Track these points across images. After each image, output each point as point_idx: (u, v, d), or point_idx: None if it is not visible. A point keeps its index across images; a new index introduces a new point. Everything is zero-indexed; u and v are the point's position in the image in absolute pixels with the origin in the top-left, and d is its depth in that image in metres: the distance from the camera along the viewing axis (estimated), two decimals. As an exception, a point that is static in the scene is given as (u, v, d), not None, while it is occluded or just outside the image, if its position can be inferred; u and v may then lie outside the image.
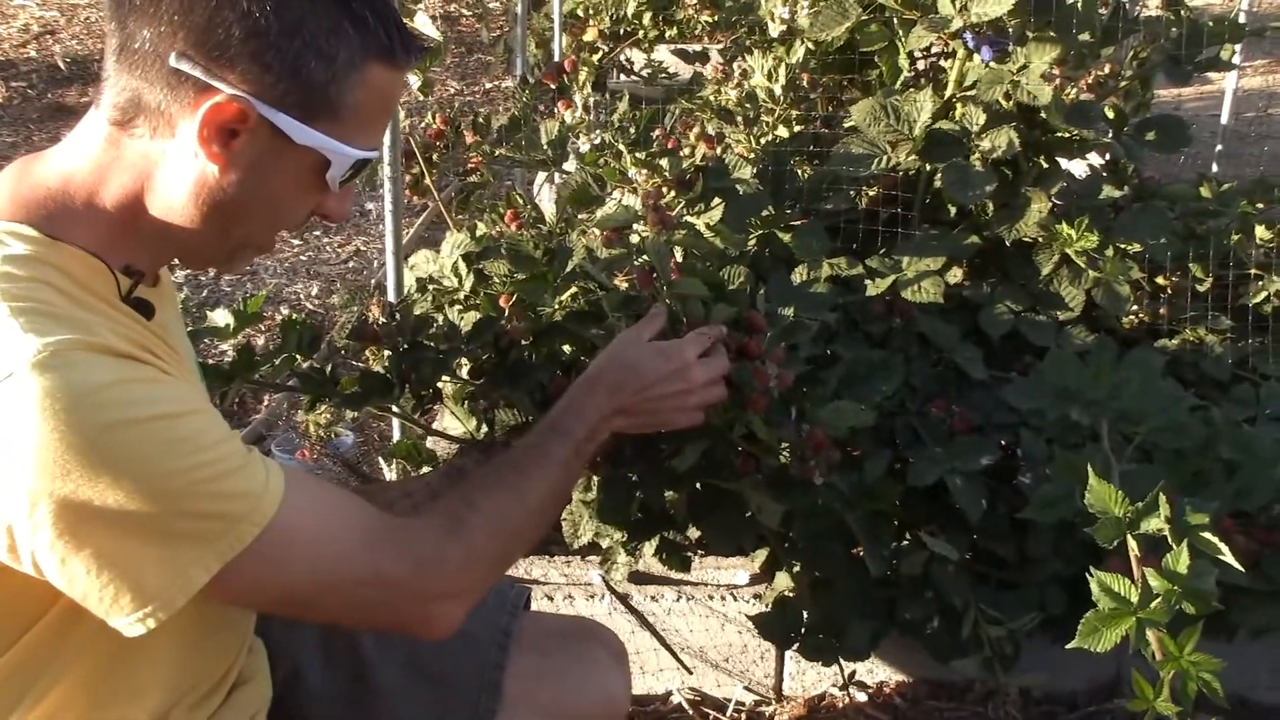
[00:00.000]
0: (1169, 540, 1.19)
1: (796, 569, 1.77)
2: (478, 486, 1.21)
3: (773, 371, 1.40)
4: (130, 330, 1.02)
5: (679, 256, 1.67)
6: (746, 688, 2.12)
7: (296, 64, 1.01)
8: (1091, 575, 1.17)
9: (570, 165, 2.21)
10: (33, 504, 0.90)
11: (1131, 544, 1.20)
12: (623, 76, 4.85)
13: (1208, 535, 1.19)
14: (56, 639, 1.03)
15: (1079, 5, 1.95)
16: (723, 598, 2.06)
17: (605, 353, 1.34)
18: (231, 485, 0.98)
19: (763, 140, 2.39)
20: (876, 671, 2.13)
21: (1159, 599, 1.13)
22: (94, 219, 1.04)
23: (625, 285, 1.52)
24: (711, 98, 2.55)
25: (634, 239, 1.70)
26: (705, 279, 1.45)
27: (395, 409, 1.56)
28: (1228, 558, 1.18)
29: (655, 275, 1.43)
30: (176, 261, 1.14)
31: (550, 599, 2.07)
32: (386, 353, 1.53)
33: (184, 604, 0.97)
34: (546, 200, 2.90)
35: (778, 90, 2.40)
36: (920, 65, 2.41)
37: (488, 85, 6.70)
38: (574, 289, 1.61)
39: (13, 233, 1.00)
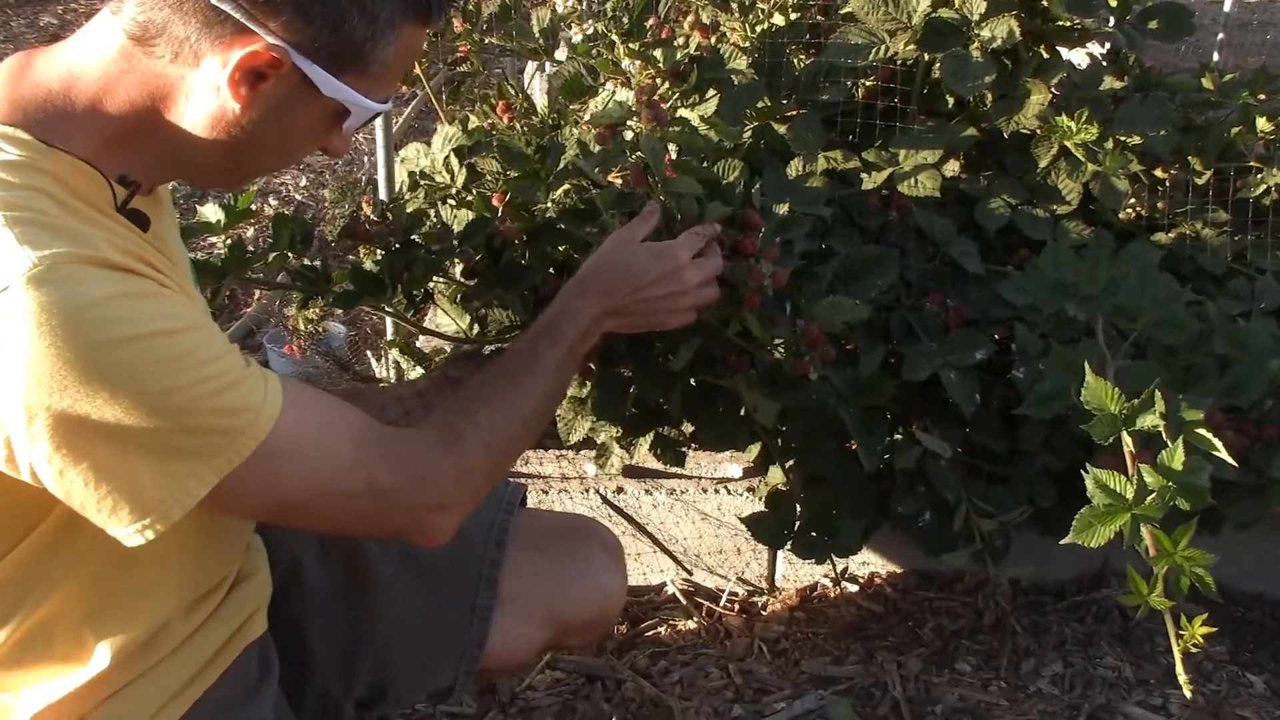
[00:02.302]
0: (1163, 436, 1.20)
1: (790, 465, 1.78)
2: (472, 396, 1.21)
3: (767, 270, 1.39)
4: (127, 241, 1.00)
5: (673, 153, 1.65)
6: (739, 579, 2.15)
7: (340, 19, 0.99)
8: (1086, 472, 1.18)
9: (562, 54, 2.17)
10: (30, 418, 0.90)
11: (1126, 440, 1.20)
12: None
13: (1202, 431, 1.20)
14: (57, 544, 1.03)
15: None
16: (716, 491, 2.08)
17: (597, 253, 1.33)
18: (230, 400, 0.98)
19: (758, 29, 2.34)
20: (868, 563, 2.16)
21: (1153, 495, 1.14)
22: (93, 127, 1.01)
23: (619, 182, 1.50)
24: (707, -17, 2.49)
25: (627, 135, 1.67)
26: (700, 176, 1.43)
27: (388, 308, 1.55)
28: (1222, 453, 1.19)
29: (649, 173, 1.41)
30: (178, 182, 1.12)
31: (545, 493, 2.09)
32: (379, 251, 1.51)
33: (181, 516, 0.97)
34: (538, 90, 2.85)
35: (775, -24, 2.35)
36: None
37: (475, -31, 6.55)
38: (567, 186, 1.59)
39: (7, 136, 0.98)
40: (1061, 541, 1.17)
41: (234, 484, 0.99)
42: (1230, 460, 1.20)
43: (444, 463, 1.14)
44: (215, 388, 0.97)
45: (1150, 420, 1.20)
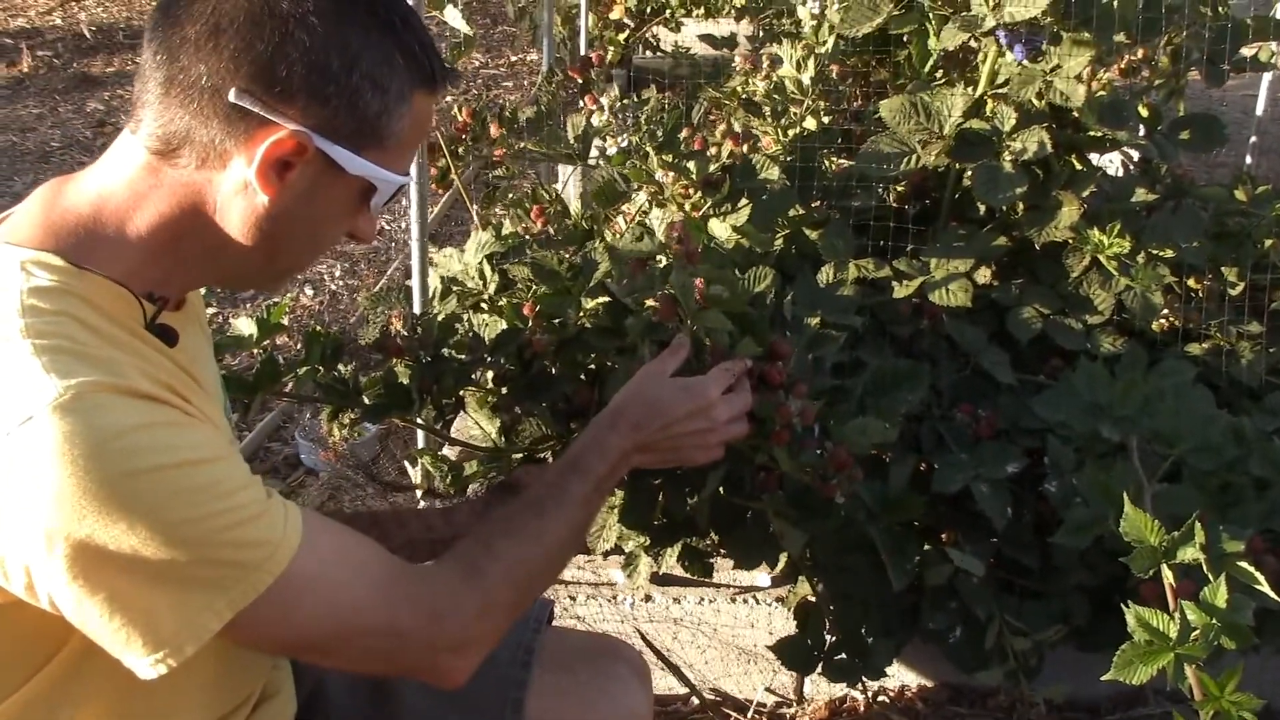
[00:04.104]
0: (1204, 569, 1.18)
1: (818, 580, 1.76)
2: (496, 530, 1.20)
3: (796, 407, 1.38)
4: (154, 365, 1.00)
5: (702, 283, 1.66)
6: (768, 689, 2.12)
7: (354, 97, 1.01)
8: (1124, 598, 1.16)
9: (595, 153, 2.19)
10: (49, 546, 0.90)
11: (1167, 574, 1.18)
12: (648, 54, 4.80)
13: (1244, 565, 1.17)
14: (76, 670, 1.02)
15: (1115, 4, 1.90)
16: (744, 600, 2.06)
17: (628, 388, 1.33)
18: (249, 534, 0.97)
19: (790, 132, 2.36)
20: (898, 675, 2.12)
21: (1197, 634, 1.11)
22: (124, 246, 1.02)
23: (650, 305, 1.50)
24: (739, 88, 2.52)
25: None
26: (729, 311, 1.42)
27: (418, 420, 1.55)
28: (1264, 588, 1.17)
29: (680, 307, 1.41)
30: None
31: (573, 599, 2.07)
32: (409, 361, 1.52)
33: (195, 650, 0.96)
34: (572, 188, 2.88)
35: (806, 81, 2.37)
36: (949, 46, 2.36)
37: (513, 59, 6.66)
38: (599, 300, 1.59)
39: (39, 262, 0.99)
40: (1103, 678, 1.14)
41: (250, 618, 0.98)
42: (1273, 595, 1.18)
43: (465, 599, 1.13)
44: (235, 520, 0.96)
45: (1191, 554, 1.18)
